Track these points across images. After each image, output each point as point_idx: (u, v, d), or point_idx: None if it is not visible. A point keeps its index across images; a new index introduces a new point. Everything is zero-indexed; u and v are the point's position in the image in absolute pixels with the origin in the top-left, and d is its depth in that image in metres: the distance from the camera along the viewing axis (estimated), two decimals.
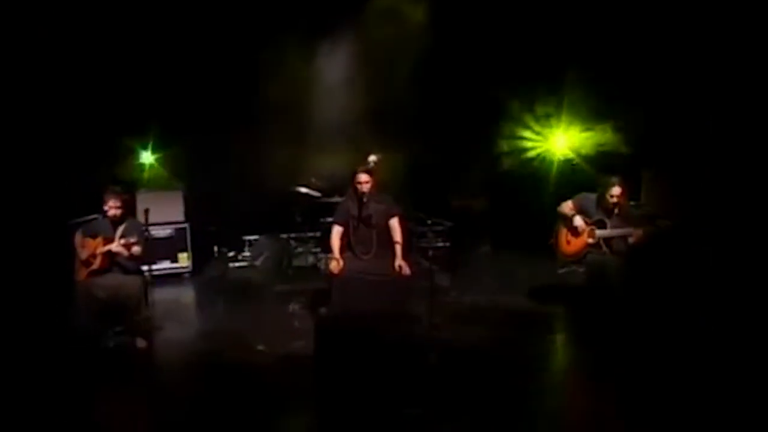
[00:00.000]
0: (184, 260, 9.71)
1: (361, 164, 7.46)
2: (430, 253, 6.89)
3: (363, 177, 6.89)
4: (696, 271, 7.11)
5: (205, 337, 7.18)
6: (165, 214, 9.57)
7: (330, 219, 7.44)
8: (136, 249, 6.85)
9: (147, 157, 10.05)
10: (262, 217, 10.08)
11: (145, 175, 9.94)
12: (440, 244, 9.95)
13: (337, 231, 6.99)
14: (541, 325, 7.18)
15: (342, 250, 6.93)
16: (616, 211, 6.95)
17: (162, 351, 6.75)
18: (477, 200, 10.83)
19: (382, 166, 8.85)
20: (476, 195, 10.84)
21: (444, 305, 7.69)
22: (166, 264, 9.63)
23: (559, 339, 6.92)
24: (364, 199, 6.88)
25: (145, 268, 9.14)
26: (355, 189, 6.92)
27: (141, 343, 6.74)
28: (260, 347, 6.60)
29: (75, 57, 8.82)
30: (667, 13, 8.20)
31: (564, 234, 7.29)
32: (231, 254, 10.28)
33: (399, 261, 6.73)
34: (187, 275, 9.69)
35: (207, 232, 9.82)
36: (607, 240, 6.97)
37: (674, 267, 7.23)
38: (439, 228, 9.78)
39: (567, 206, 7.24)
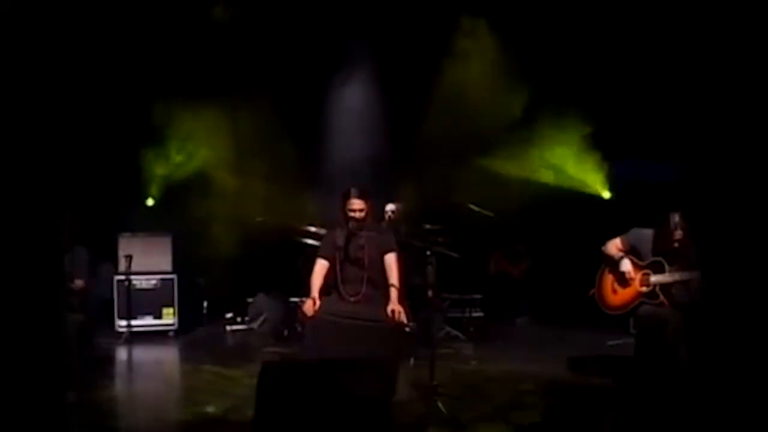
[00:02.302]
0: (169, 316, 8.40)
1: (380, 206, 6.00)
2: (429, 293, 5.36)
3: (356, 203, 5.47)
4: None
5: (153, 395, 5.91)
6: (150, 262, 8.41)
7: None
8: (78, 283, 5.70)
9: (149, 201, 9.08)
10: (266, 271, 8.74)
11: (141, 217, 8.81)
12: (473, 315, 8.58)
13: (320, 266, 5.56)
14: (570, 399, 5.58)
15: (325, 291, 5.51)
16: (676, 245, 5.38)
17: (93, 406, 5.38)
18: (517, 265, 9.30)
19: (400, 216, 7.51)
20: (516, 259, 9.32)
21: (459, 373, 6.37)
22: (148, 320, 8.34)
23: (592, 416, 5.24)
24: (354, 229, 5.49)
25: (123, 323, 8.12)
26: (346, 217, 5.52)
27: (70, 397, 5.41)
28: (209, 408, 5.21)
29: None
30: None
31: (609, 281, 5.73)
32: (229, 315, 8.88)
33: (393, 305, 5.27)
34: (171, 334, 8.35)
35: (195, 284, 8.48)
36: (666, 288, 5.38)
37: (757, 324, 5.51)
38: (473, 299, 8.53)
39: (614, 245, 5.71)
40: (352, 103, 8.86)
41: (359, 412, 3.95)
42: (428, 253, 5.29)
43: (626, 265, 5.58)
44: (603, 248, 5.77)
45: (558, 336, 8.04)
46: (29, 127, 3.36)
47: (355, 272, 5.48)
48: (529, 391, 5.70)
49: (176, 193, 8.67)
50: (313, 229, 7.79)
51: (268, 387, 4.02)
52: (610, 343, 7.27)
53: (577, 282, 7.87)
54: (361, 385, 4.04)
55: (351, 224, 5.48)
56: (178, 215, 8.47)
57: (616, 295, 5.66)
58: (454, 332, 7.88)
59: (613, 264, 5.66)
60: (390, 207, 7.59)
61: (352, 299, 5.40)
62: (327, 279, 5.54)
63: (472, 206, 7.89)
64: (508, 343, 7.90)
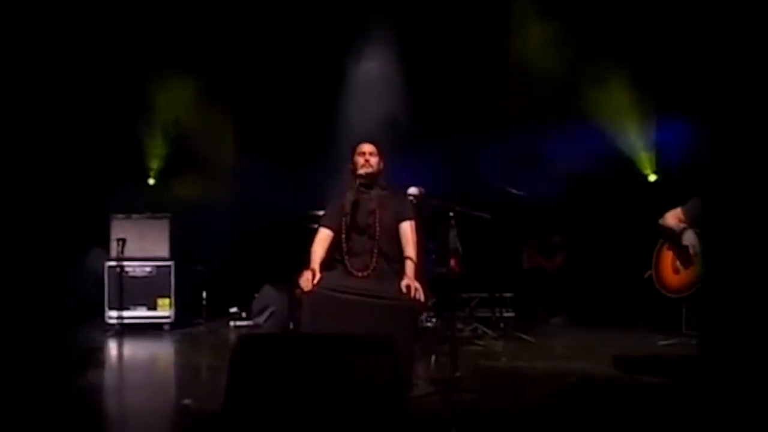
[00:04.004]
0: (165, 307, 7.56)
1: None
2: (452, 262, 4.50)
3: (367, 147, 4.71)
4: None
5: (134, 386, 5.32)
6: (145, 247, 7.62)
7: None
8: None
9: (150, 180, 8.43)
10: (272, 259, 7.89)
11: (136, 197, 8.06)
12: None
13: (323, 236, 4.70)
14: (617, 397, 4.63)
15: (328, 265, 4.65)
16: None
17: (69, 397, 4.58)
18: (551, 259, 8.35)
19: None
20: (551, 252, 8.37)
21: (487, 368, 5.56)
22: (141, 311, 7.52)
23: (638, 415, 4.31)
24: (365, 188, 4.65)
25: (114, 314, 7.36)
26: (354, 172, 4.68)
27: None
28: (186, 401, 4.41)
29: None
30: None
31: (668, 259, 4.80)
32: (233, 310, 8.02)
33: (409, 280, 4.39)
34: (167, 327, 7.52)
35: (195, 272, 7.66)
36: None
37: None
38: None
39: (674, 216, 4.80)
40: (371, 77, 8.04)
41: (356, 398, 3.07)
42: (451, 214, 4.41)
43: (690, 238, 4.65)
44: (661, 221, 4.87)
45: (600, 336, 7.06)
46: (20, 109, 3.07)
47: (364, 242, 4.65)
48: (566, 388, 4.80)
49: (175, 172, 7.90)
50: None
51: (242, 363, 3.17)
52: (662, 343, 6.32)
53: (619, 278, 7.08)
54: (359, 367, 3.17)
55: (360, 177, 4.64)
56: (177, 196, 7.70)
57: (678, 275, 4.76)
58: (483, 329, 6.96)
59: (674, 238, 4.73)
60: (412, 190, 6.71)
61: (359, 274, 4.55)
62: (331, 252, 4.69)
63: (511, 190, 7.06)
64: (543, 340, 6.94)
